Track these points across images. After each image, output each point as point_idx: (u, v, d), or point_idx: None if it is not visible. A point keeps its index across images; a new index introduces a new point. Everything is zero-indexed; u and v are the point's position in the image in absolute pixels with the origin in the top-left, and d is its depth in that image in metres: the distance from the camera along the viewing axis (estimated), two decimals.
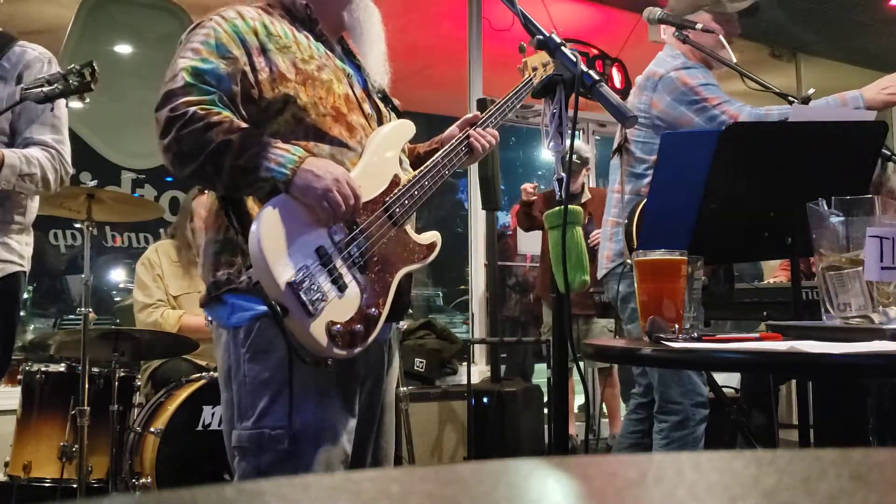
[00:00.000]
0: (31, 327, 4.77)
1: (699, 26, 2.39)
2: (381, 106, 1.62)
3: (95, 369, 2.70)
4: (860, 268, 1.16)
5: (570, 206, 1.28)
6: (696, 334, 1.24)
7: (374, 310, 1.39)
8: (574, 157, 4.14)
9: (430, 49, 5.35)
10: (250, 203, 1.38)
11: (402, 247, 1.48)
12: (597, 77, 1.29)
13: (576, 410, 5.23)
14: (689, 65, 2.36)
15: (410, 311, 1.67)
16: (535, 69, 1.65)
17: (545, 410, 3.88)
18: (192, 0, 4.42)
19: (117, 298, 4.67)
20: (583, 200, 4.27)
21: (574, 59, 1.31)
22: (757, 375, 3.38)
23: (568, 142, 1.30)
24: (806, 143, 1.53)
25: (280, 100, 1.42)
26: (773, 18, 5.18)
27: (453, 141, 1.63)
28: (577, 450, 4.12)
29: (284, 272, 1.28)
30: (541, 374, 4.55)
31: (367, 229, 1.41)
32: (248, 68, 1.41)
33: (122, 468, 2.61)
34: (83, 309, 2.59)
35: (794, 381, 3.06)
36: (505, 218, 6.01)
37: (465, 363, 4.14)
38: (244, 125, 1.36)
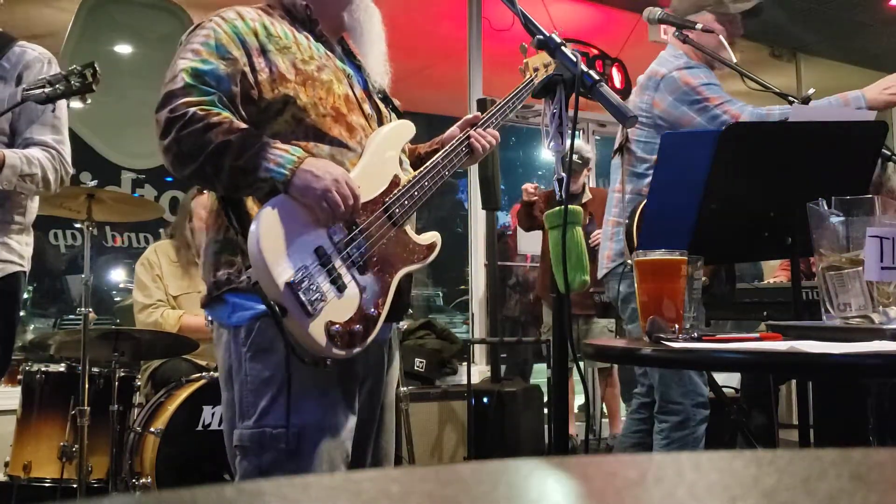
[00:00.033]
0: (31, 327, 4.77)
1: (699, 26, 2.39)
2: (382, 106, 1.62)
3: (95, 369, 2.70)
4: (860, 268, 1.16)
5: (570, 206, 1.28)
6: (696, 334, 1.24)
7: (373, 310, 1.39)
8: (576, 156, 4.19)
9: (430, 49, 5.35)
10: (250, 203, 1.39)
11: (401, 247, 1.48)
12: (597, 77, 1.29)
13: (576, 410, 5.23)
14: (691, 64, 2.36)
15: (410, 311, 1.66)
16: (536, 70, 1.65)
17: (545, 410, 3.88)
18: (192, 0, 4.42)
19: (117, 298, 4.67)
20: (584, 200, 4.27)
21: (574, 59, 1.31)
22: (757, 375, 3.38)
23: (568, 142, 1.30)
24: (806, 143, 1.53)
25: (280, 100, 1.42)
26: (773, 18, 5.17)
27: (454, 141, 1.63)
28: (577, 450, 4.12)
29: (283, 272, 1.28)
30: (541, 374, 4.55)
31: (366, 229, 1.41)
32: (247, 69, 1.41)
33: (122, 468, 2.61)
34: (83, 309, 2.59)
35: (794, 381, 3.06)
36: (505, 218, 6.01)
37: (465, 363, 4.14)
38: (244, 126, 1.36)
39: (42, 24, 4.27)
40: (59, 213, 2.73)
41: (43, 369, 2.70)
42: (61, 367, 2.73)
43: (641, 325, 1.27)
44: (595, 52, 5.24)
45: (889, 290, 1.15)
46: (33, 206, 2.21)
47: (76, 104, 1.97)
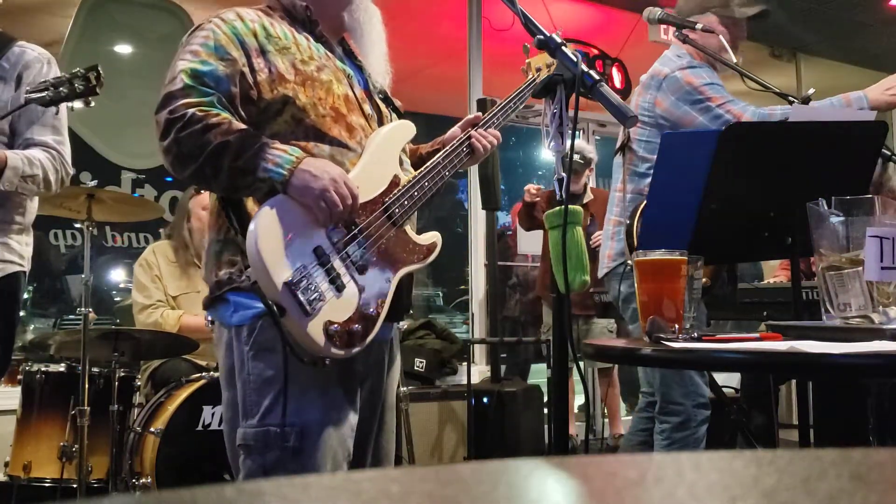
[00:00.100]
0: (31, 327, 4.77)
1: (699, 27, 2.39)
2: (382, 106, 1.62)
3: (95, 369, 2.70)
4: (860, 268, 1.16)
5: (570, 206, 1.28)
6: (696, 334, 1.24)
7: (372, 310, 1.39)
8: (577, 157, 4.19)
9: (430, 49, 5.35)
10: (250, 204, 1.39)
11: (401, 247, 1.48)
12: (597, 77, 1.29)
13: (576, 410, 5.23)
14: (694, 64, 2.36)
15: (411, 311, 1.66)
16: (538, 70, 1.65)
17: (545, 410, 3.88)
18: (192, 0, 4.42)
19: (117, 298, 4.67)
20: (585, 201, 4.27)
21: (574, 59, 1.31)
22: (757, 375, 3.38)
23: (568, 142, 1.30)
24: (806, 143, 1.53)
25: (279, 100, 1.42)
26: (773, 18, 5.17)
27: (454, 141, 1.63)
28: (577, 450, 4.12)
29: (282, 272, 1.28)
30: (540, 374, 4.55)
31: (365, 229, 1.41)
32: (246, 69, 1.41)
33: (122, 468, 2.61)
34: (83, 309, 2.59)
35: (794, 381, 3.06)
36: (505, 218, 6.01)
37: (465, 363, 4.14)
38: (242, 126, 1.36)
39: (49, 33, 4.26)
40: (59, 213, 2.73)
41: (43, 369, 2.70)
42: (61, 367, 2.73)
43: (641, 325, 1.27)
44: (595, 52, 5.24)
45: (889, 290, 1.15)
46: (33, 207, 2.21)
47: (78, 105, 1.97)
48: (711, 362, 1.50)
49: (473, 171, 4.41)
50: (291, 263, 1.29)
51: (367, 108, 1.55)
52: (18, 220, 2.14)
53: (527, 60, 1.65)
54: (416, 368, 4.10)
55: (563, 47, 1.34)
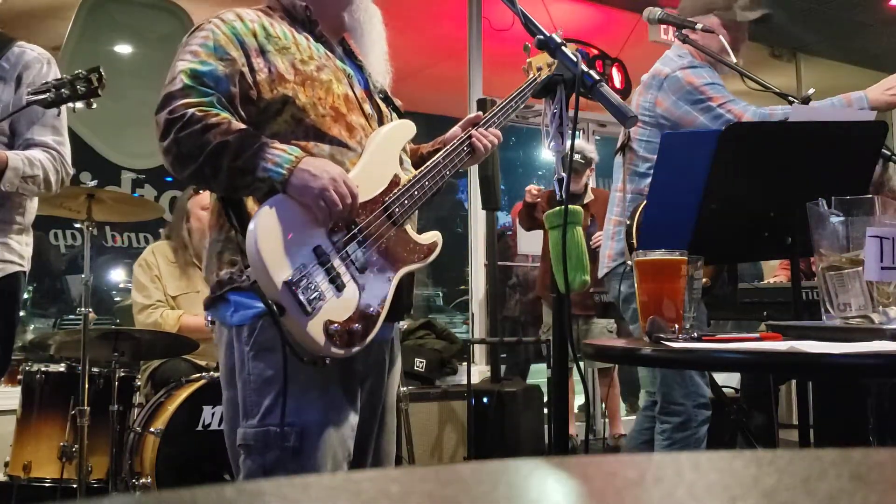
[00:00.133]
0: (31, 327, 4.77)
1: (699, 27, 2.39)
2: (383, 106, 1.62)
3: (95, 369, 2.70)
4: (860, 268, 1.16)
5: (570, 206, 1.28)
6: (696, 334, 1.24)
7: (372, 309, 1.39)
8: (578, 156, 4.19)
9: (430, 49, 5.35)
10: (250, 203, 1.39)
11: (402, 246, 1.48)
12: (597, 77, 1.29)
13: (576, 410, 5.23)
14: (695, 64, 2.37)
15: (412, 311, 1.66)
16: (539, 69, 1.65)
17: (545, 410, 3.88)
18: (192, 0, 4.42)
19: (117, 298, 4.67)
20: (586, 201, 4.27)
21: (574, 59, 1.31)
22: (757, 375, 3.39)
23: (568, 142, 1.30)
24: (806, 143, 1.53)
25: (279, 100, 1.42)
26: (769, 10, 5.17)
27: (455, 141, 1.62)
28: (577, 450, 4.12)
29: (281, 271, 1.28)
30: (540, 374, 4.55)
31: (365, 229, 1.41)
32: (246, 69, 1.41)
33: (122, 468, 2.61)
34: (83, 309, 2.59)
35: (794, 381, 3.06)
36: (505, 218, 6.01)
37: (465, 363, 4.14)
38: (242, 126, 1.36)
39: (59, 38, 4.25)
40: (59, 213, 2.73)
41: (43, 369, 2.70)
42: (61, 367, 2.73)
43: (641, 325, 1.27)
44: (595, 52, 5.24)
45: (889, 290, 1.15)
46: (33, 207, 2.21)
47: (79, 106, 1.97)
48: (711, 362, 1.50)
49: (473, 171, 4.41)
50: (291, 263, 1.29)
51: (368, 107, 1.55)
52: (18, 221, 2.14)
53: (528, 60, 1.65)
54: (416, 368, 4.10)
55: (563, 47, 1.34)
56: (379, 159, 1.49)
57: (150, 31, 4.49)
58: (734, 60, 2.40)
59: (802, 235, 1.35)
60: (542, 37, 1.36)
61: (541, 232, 4.33)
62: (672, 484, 0.31)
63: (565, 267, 1.27)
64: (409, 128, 1.59)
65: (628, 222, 2.34)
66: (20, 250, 2.14)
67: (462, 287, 6.27)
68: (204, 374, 2.64)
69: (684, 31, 2.42)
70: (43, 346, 2.84)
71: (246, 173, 1.33)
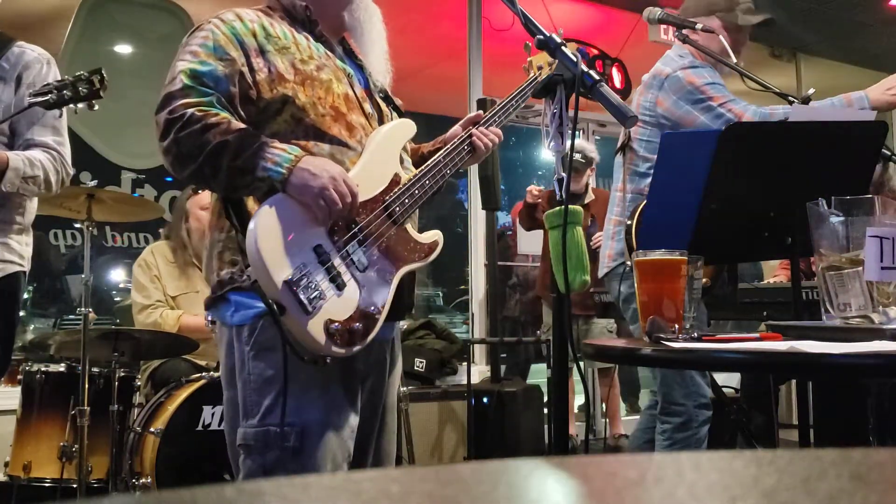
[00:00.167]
0: (31, 327, 4.77)
1: (699, 26, 2.39)
2: (383, 105, 1.62)
3: (95, 369, 2.70)
4: (860, 268, 1.16)
5: (570, 206, 1.28)
6: (696, 334, 1.24)
7: (373, 308, 1.39)
8: (579, 156, 4.19)
9: (430, 49, 5.35)
10: (250, 203, 1.39)
11: (402, 245, 1.48)
12: (597, 77, 1.29)
13: (576, 410, 5.23)
14: (696, 64, 2.37)
15: (413, 310, 1.66)
16: (540, 68, 1.65)
17: (545, 410, 3.88)
18: (192, 0, 4.42)
19: (117, 298, 4.67)
20: (586, 201, 4.27)
21: (574, 59, 1.31)
22: (757, 375, 3.39)
23: (568, 142, 1.30)
24: (806, 143, 1.53)
25: (278, 100, 1.42)
26: (771, 14, 5.17)
27: (455, 140, 1.62)
28: (577, 450, 4.12)
29: (281, 270, 1.28)
30: (540, 374, 4.55)
31: (366, 228, 1.41)
32: (245, 69, 1.41)
33: (122, 468, 2.61)
34: (83, 309, 2.59)
35: (794, 381, 3.06)
36: (505, 218, 6.01)
37: (465, 363, 4.14)
38: (241, 126, 1.36)
39: (43, 12, 4.25)
40: (59, 213, 2.73)
41: (43, 369, 2.70)
42: (61, 367, 2.73)
43: (641, 325, 1.27)
44: (595, 52, 5.24)
45: (889, 290, 1.15)
46: (32, 207, 2.21)
47: (81, 107, 1.97)
48: (711, 362, 1.50)
49: (473, 171, 4.41)
50: (291, 262, 1.29)
51: (368, 107, 1.55)
52: (18, 221, 2.14)
53: (528, 59, 1.65)
54: (416, 368, 4.10)
55: (563, 47, 1.34)
56: (379, 158, 1.49)
57: (150, 31, 4.49)
58: (734, 59, 2.40)
59: (802, 235, 1.35)
60: (542, 37, 1.36)
61: (541, 232, 4.33)
62: (672, 484, 0.31)
63: (565, 267, 1.27)
64: (409, 127, 1.59)
65: (628, 222, 2.34)
66: (20, 250, 2.15)
67: (462, 287, 6.27)
68: (204, 374, 2.64)
69: (684, 32, 2.42)
70: (43, 346, 2.84)
71: (245, 173, 1.33)
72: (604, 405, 4.88)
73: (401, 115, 1.67)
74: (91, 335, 2.57)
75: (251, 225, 1.28)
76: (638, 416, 4.75)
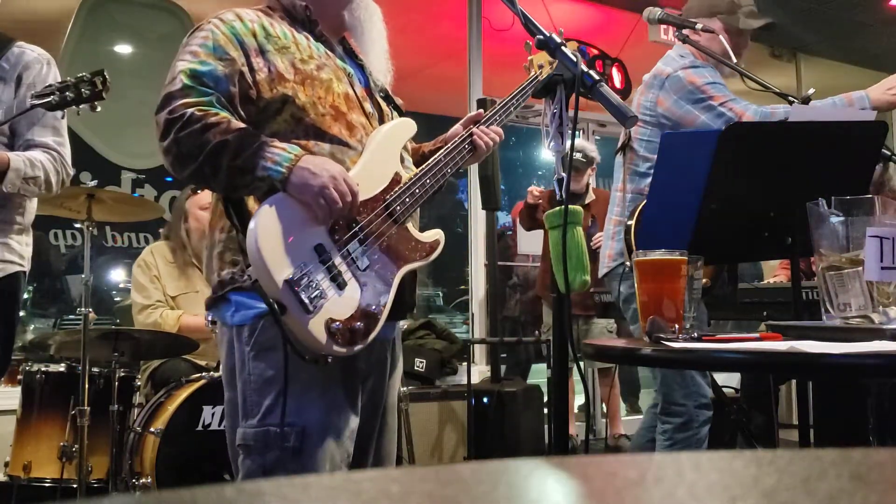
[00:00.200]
0: (31, 327, 4.77)
1: (699, 26, 2.39)
2: (383, 105, 1.62)
3: (95, 369, 2.70)
4: (860, 268, 1.16)
5: (570, 206, 1.28)
6: (696, 334, 1.24)
7: (374, 307, 1.39)
8: (579, 155, 4.19)
9: (430, 49, 5.35)
10: (251, 203, 1.39)
11: (403, 244, 1.48)
12: (597, 77, 1.29)
13: (576, 410, 5.23)
14: (696, 64, 2.37)
15: (415, 309, 1.65)
16: (541, 66, 1.65)
17: (545, 410, 3.88)
18: (192, 0, 4.42)
19: (117, 298, 4.67)
20: (587, 201, 4.28)
21: (574, 59, 1.31)
22: (757, 375, 3.38)
23: (568, 142, 1.30)
24: (806, 143, 1.53)
25: (278, 99, 1.42)
26: (773, 18, 5.17)
27: (456, 139, 1.62)
28: (577, 450, 4.12)
29: (282, 270, 1.28)
30: (540, 374, 4.55)
31: (367, 227, 1.41)
32: (245, 69, 1.41)
33: (122, 468, 2.61)
34: (83, 309, 2.59)
35: (794, 381, 3.06)
36: (505, 218, 6.01)
37: (465, 363, 4.14)
38: (241, 125, 1.36)
39: (44, 15, 4.26)
40: (59, 213, 2.73)
41: (43, 369, 2.70)
42: (61, 367, 2.73)
43: (641, 325, 1.27)
44: (595, 52, 5.24)
45: (889, 290, 1.15)
46: (32, 207, 2.21)
47: (83, 108, 1.98)
48: (711, 362, 1.50)
49: (473, 171, 4.41)
50: (292, 261, 1.29)
51: (368, 106, 1.55)
52: (19, 221, 2.15)
53: (529, 57, 1.65)
54: (416, 368, 4.10)
55: (563, 47, 1.34)
56: (380, 157, 1.49)
57: (150, 31, 4.49)
58: (733, 59, 2.40)
59: (802, 235, 1.35)
60: (541, 37, 1.36)
61: (541, 232, 4.33)
62: (672, 484, 0.31)
63: (565, 267, 1.27)
64: (409, 126, 1.59)
65: (629, 222, 2.34)
66: (20, 250, 2.15)
67: (462, 287, 6.27)
68: (204, 374, 2.64)
69: (684, 32, 2.42)
70: (43, 346, 2.84)
71: (245, 172, 1.33)
72: (604, 405, 4.88)
73: (401, 114, 1.67)
74: (91, 335, 2.57)
75: (251, 224, 1.28)
76: (638, 417, 4.74)
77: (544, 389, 3.94)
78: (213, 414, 2.52)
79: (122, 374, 2.73)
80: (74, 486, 2.55)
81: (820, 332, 1.18)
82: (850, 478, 0.31)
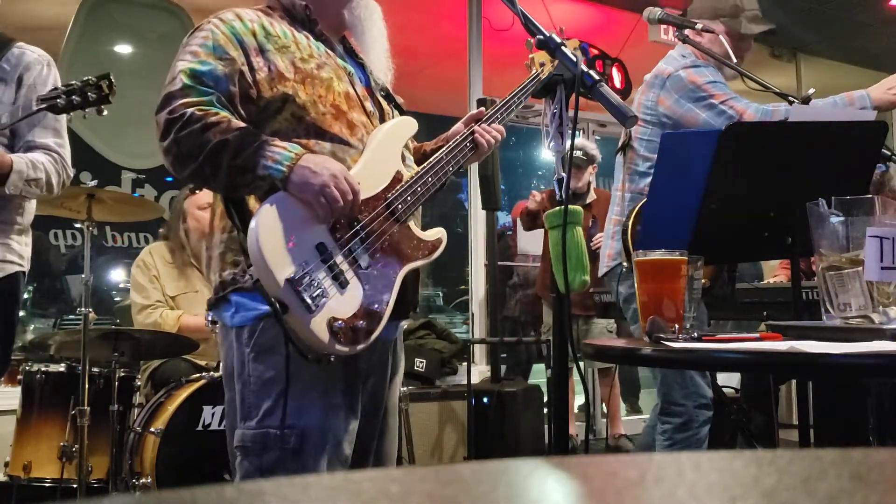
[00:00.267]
0: (31, 327, 4.77)
1: (699, 26, 2.39)
2: (384, 103, 1.62)
3: (95, 369, 2.70)
4: (860, 268, 1.16)
5: (570, 206, 1.28)
6: (696, 334, 1.24)
7: (377, 306, 1.39)
8: (580, 153, 4.19)
9: (430, 49, 5.35)
10: (252, 202, 1.39)
11: (405, 243, 1.47)
12: (597, 77, 1.29)
13: (576, 410, 5.23)
14: (698, 63, 2.37)
15: (417, 308, 1.65)
16: (542, 64, 1.65)
17: (545, 410, 3.88)
18: (192, 0, 4.42)
19: (117, 298, 4.67)
20: (588, 201, 4.28)
21: (574, 59, 1.31)
22: (757, 375, 3.38)
23: (568, 142, 1.30)
24: (806, 143, 1.53)
25: (279, 99, 1.42)
26: (773, 18, 5.17)
27: (458, 137, 1.62)
28: (577, 450, 4.12)
29: (284, 269, 1.27)
30: (541, 374, 4.55)
31: (368, 225, 1.41)
32: (245, 68, 1.41)
33: (122, 468, 2.61)
34: (83, 309, 2.59)
35: (794, 381, 3.06)
36: (505, 218, 6.01)
37: (465, 363, 4.14)
38: (242, 124, 1.36)
39: (44, 19, 4.26)
40: (59, 213, 2.73)
41: (43, 369, 2.70)
42: (61, 367, 2.73)
43: (641, 325, 1.27)
44: (595, 52, 5.23)
45: (889, 290, 1.15)
46: (31, 207, 2.22)
47: (89, 111, 1.98)
48: (711, 362, 1.50)
49: (473, 171, 4.41)
50: (293, 260, 1.29)
51: (369, 105, 1.55)
52: (18, 221, 2.15)
53: (530, 56, 1.65)
54: (416, 368, 4.10)
55: (563, 47, 1.34)
56: (381, 156, 1.49)
57: (150, 31, 4.49)
58: (733, 59, 2.40)
59: (802, 235, 1.35)
60: (541, 37, 1.36)
61: (541, 232, 4.33)
62: (672, 484, 0.31)
63: (565, 267, 1.27)
64: (410, 124, 1.59)
65: (626, 222, 2.34)
66: (20, 250, 2.15)
67: (462, 287, 6.27)
68: (204, 374, 2.63)
69: (685, 32, 2.42)
70: (43, 346, 2.84)
71: (246, 171, 1.33)
72: (604, 405, 4.88)
73: (402, 113, 1.67)
74: (91, 335, 2.57)
75: (252, 223, 1.28)
76: (638, 417, 4.74)
77: (544, 389, 3.94)
78: (213, 414, 2.52)
79: (122, 374, 2.73)
80: (74, 486, 2.55)
81: (820, 332, 1.18)
82: (850, 478, 0.31)
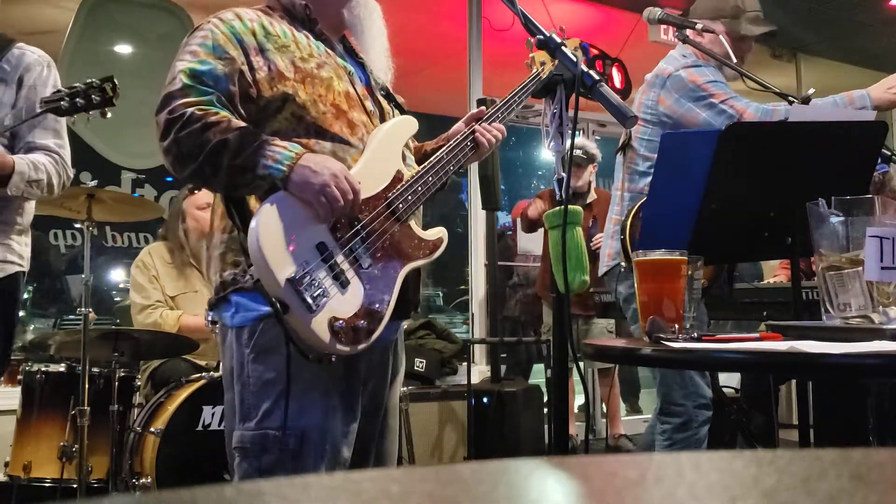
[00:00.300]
0: (31, 327, 4.77)
1: (699, 26, 2.40)
2: (384, 103, 1.62)
3: (95, 369, 2.70)
4: (860, 268, 1.16)
5: (570, 206, 1.28)
6: (696, 334, 1.24)
7: (378, 305, 1.39)
8: (580, 152, 4.19)
9: (430, 49, 5.34)
10: (252, 202, 1.39)
11: (406, 242, 1.47)
12: (597, 77, 1.30)
13: (576, 410, 5.23)
14: (698, 63, 2.38)
15: (418, 308, 1.64)
16: (542, 63, 1.65)
17: (545, 410, 3.88)
18: (192, 0, 4.42)
19: (117, 298, 4.67)
20: (588, 201, 4.28)
21: (574, 59, 1.31)
22: (757, 375, 3.38)
23: (568, 142, 1.30)
24: (806, 143, 1.53)
25: (279, 98, 1.42)
26: (773, 18, 5.17)
27: (458, 136, 1.62)
28: (577, 450, 4.12)
29: (284, 269, 1.27)
30: (541, 374, 4.55)
31: (369, 225, 1.41)
32: (245, 68, 1.41)
33: (122, 468, 2.61)
34: (83, 309, 2.58)
35: (794, 381, 3.06)
36: (505, 218, 6.01)
37: (465, 363, 4.14)
38: (242, 124, 1.36)
39: (43, 23, 4.27)
40: (59, 213, 2.73)
41: (43, 369, 2.70)
42: (61, 367, 2.73)
43: (641, 325, 1.27)
44: (595, 52, 5.23)
45: (889, 290, 1.15)
46: (31, 208, 2.22)
47: (92, 114, 1.98)
48: (711, 362, 1.50)
49: (473, 171, 4.41)
50: (294, 260, 1.29)
51: (369, 104, 1.55)
52: (18, 222, 2.16)
53: (530, 55, 1.65)
54: (416, 368, 4.10)
55: (563, 47, 1.34)
56: (381, 156, 1.49)
57: (150, 31, 4.49)
58: (733, 59, 2.40)
59: (802, 235, 1.35)
60: (541, 36, 1.36)
61: (541, 231, 4.33)
62: (672, 484, 0.31)
63: (565, 267, 1.27)
64: (410, 124, 1.59)
65: (624, 222, 2.34)
66: (20, 251, 2.16)
67: (462, 287, 6.27)
68: (204, 374, 2.63)
69: (685, 32, 2.42)
70: (43, 346, 2.84)
71: (246, 171, 1.33)
72: (604, 405, 4.88)
73: (403, 112, 1.67)
74: (91, 335, 2.57)
75: (253, 223, 1.28)
76: (638, 417, 4.74)
77: (544, 389, 3.94)
78: (213, 414, 2.52)
79: (122, 374, 2.73)
80: (74, 486, 2.55)
81: (820, 332, 1.18)
82: (850, 478, 0.31)
